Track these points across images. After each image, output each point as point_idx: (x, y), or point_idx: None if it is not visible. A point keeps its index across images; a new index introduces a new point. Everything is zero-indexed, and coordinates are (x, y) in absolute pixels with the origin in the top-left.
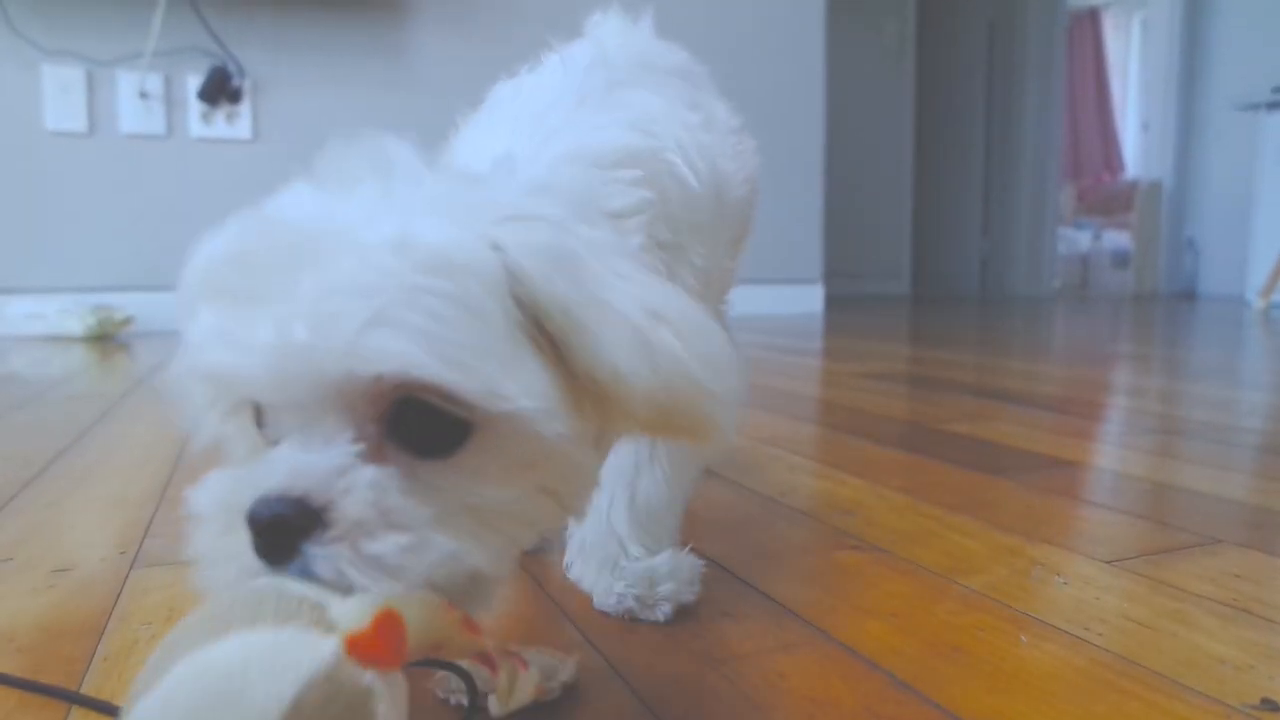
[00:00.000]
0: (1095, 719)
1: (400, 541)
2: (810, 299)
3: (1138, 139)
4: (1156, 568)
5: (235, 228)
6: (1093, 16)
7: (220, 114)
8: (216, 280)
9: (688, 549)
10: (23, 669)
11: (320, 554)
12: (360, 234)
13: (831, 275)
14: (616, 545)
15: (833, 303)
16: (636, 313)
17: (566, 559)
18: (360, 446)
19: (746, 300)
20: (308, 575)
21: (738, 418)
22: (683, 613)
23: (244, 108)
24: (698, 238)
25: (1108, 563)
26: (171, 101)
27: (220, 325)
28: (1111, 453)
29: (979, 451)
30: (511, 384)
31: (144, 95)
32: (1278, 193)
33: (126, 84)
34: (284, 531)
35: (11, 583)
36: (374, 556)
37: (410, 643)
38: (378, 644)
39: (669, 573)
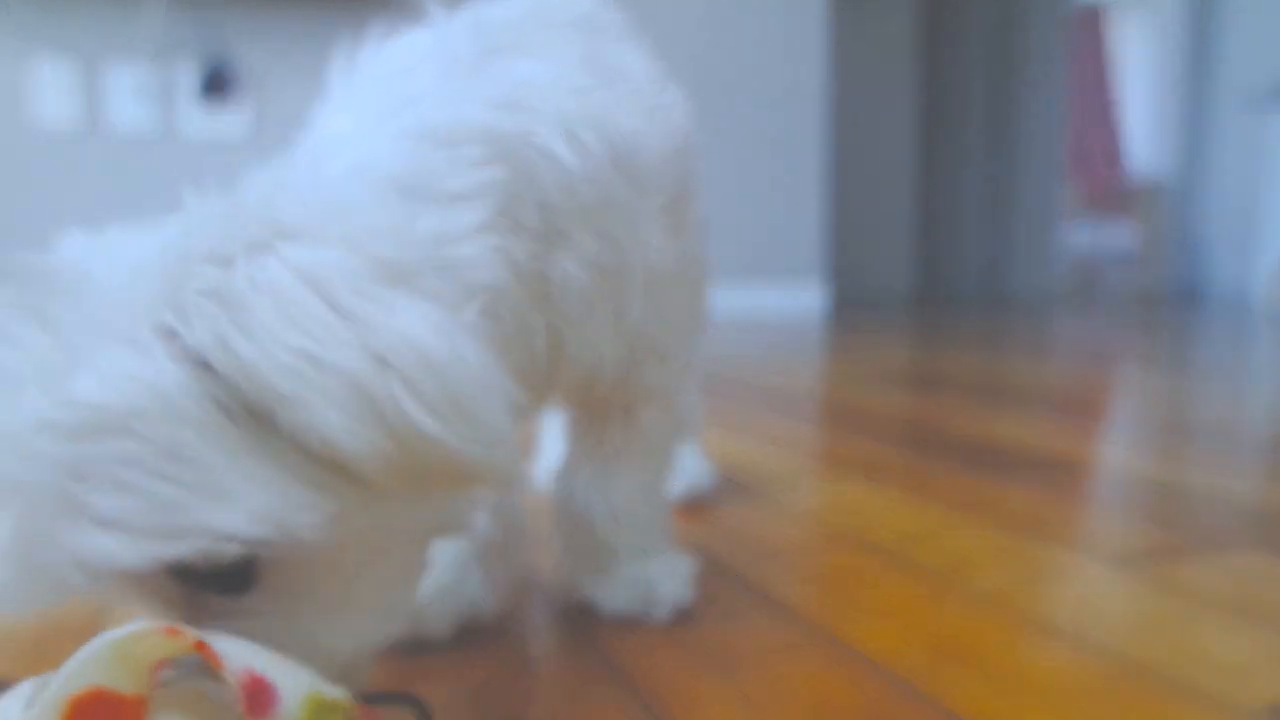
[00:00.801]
0: None
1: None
2: (812, 298)
3: (1142, 137)
4: (1162, 568)
5: None
6: (1097, 14)
7: (218, 111)
8: None
9: (681, 550)
10: (23, 669)
11: None
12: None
13: (834, 274)
14: (605, 551)
15: (834, 301)
16: (355, 362)
17: (556, 563)
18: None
19: (748, 299)
20: None
21: (511, 458)
22: (683, 613)
23: (242, 105)
24: (588, 225)
25: (1112, 563)
26: (169, 98)
27: None
28: (1116, 452)
29: (982, 451)
30: (228, 516)
31: (141, 92)
32: None
33: (124, 80)
34: None
35: None
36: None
37: (134, 691)
38: None
39: (667, 575)
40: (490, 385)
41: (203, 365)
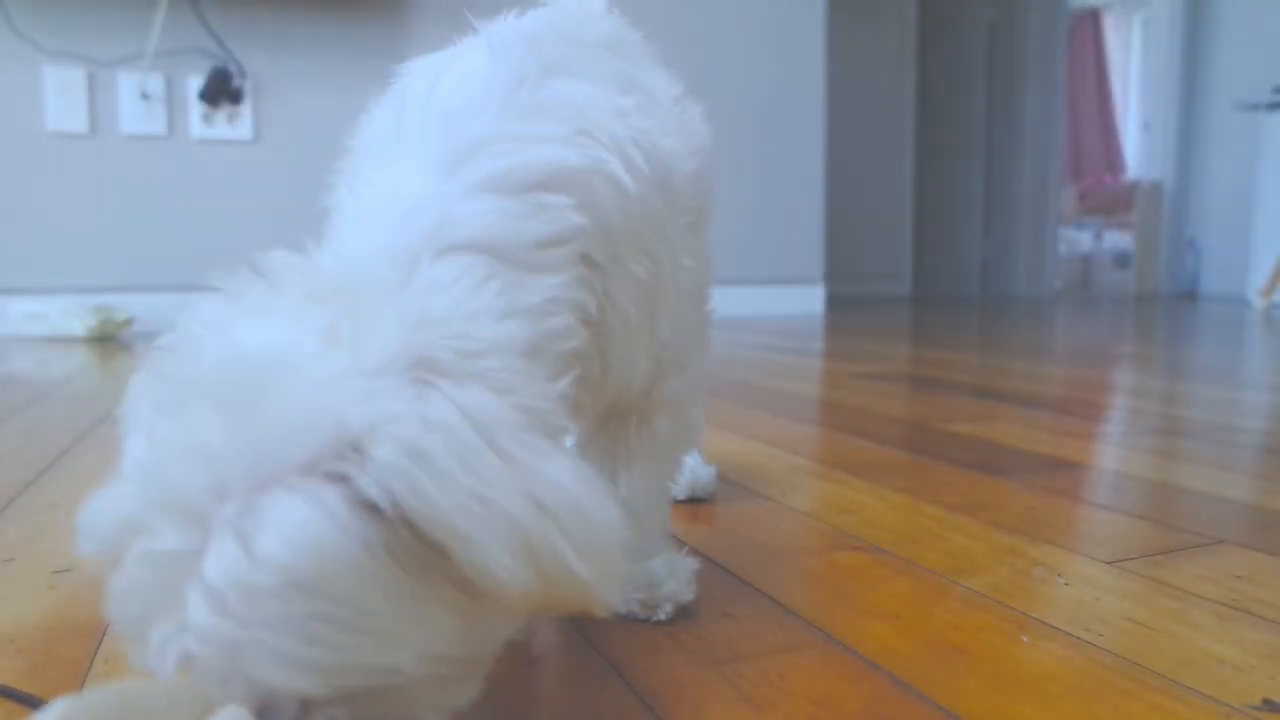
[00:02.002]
0: (1096, 719)
1: None
2: (811, 299)
3: (1139, 139)
4: (1157, 568)
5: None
6: (1093, 16)
7: (221, 115)
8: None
9: (684, 550)
10: (24, 670)
11: None
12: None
13: (832, 275)
14: None
15: (834, 303)
16: (520, 507)
17: None
18: None
19: (747, 300)
20: None
21: (618, 586)
22: (683, 612)
23: (245, 108)
24: (637, 245)
25: (1109, 563)
26: (173, 102)
27: None
28: (1113, 453)
29: (980, 452)
30: (397, 658)
31: (145, 96)
32: (1278, 193)
33: (127, 84)
34: None
35: (13, 584)
36: None
37: None
38: None
39: (668, 574)
40: (621, 531)
41: (373, 509)
